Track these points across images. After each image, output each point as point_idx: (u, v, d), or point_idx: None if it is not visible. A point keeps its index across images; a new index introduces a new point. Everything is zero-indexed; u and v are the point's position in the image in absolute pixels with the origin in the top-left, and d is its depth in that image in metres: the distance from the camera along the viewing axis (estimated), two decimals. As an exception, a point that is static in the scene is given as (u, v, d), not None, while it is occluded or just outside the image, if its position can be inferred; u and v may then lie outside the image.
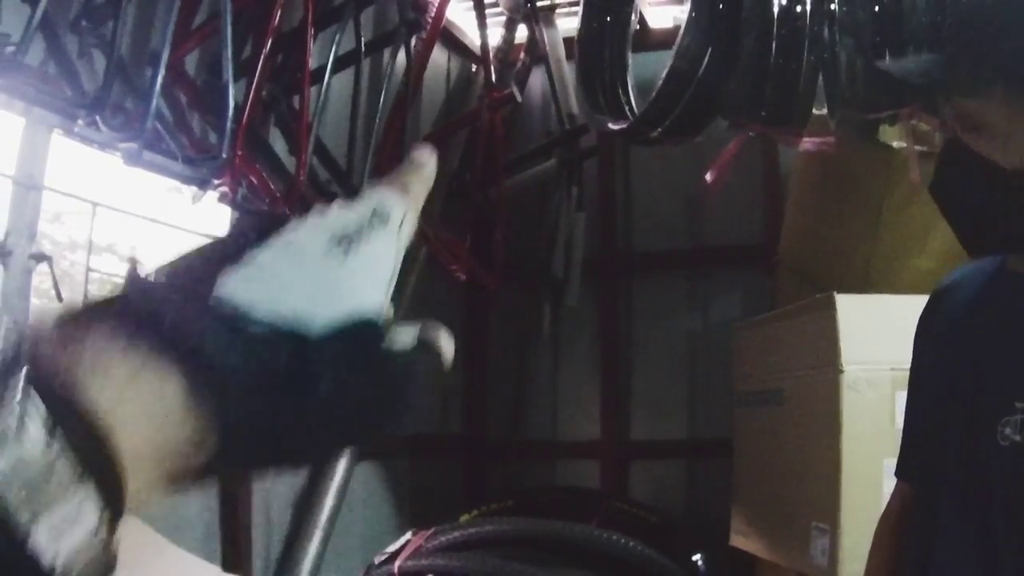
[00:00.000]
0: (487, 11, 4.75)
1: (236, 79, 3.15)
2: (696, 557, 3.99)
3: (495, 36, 5.18)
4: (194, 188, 3.17)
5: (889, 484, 2.83)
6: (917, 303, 3.06)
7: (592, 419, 5.29)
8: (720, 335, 4.71)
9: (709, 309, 5.23)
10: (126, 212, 3.26)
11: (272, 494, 3.81)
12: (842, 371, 2.93)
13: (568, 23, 5.07)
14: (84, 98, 2.72)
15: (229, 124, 2.99)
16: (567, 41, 4.96)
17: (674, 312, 5.30)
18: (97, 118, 2.71)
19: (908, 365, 2.83)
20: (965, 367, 1.64)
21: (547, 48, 5.14)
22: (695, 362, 5.20)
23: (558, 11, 5.24)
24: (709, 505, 4.79)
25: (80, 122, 2.72)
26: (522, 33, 5.28)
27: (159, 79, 2.81)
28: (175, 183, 3.24)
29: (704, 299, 5.26)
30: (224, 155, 3.03)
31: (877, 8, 2.86)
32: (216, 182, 3.12)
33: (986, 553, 1.53)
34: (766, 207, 5.03)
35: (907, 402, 1.95)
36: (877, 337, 2.99)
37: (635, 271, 5.43)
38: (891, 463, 2.85)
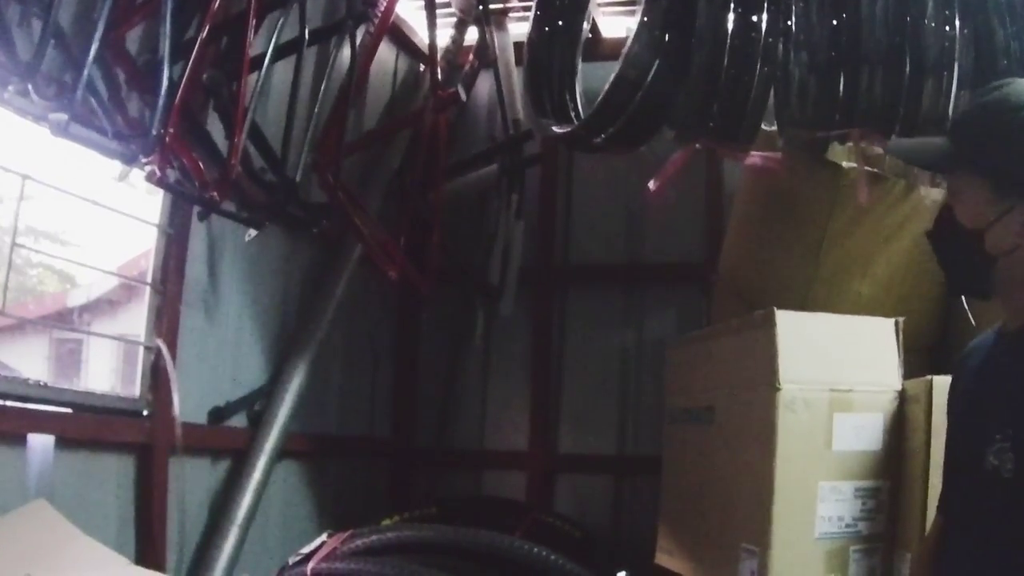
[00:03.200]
0: (438, 11, 4.68)
1: (177, 60, 3.08)
2: (620, 575, 3.94)
3: (445, 37, 5.12)
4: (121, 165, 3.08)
5: (823, 507, 2.85)
6: (859, 324, 3.08)
7: (520, 430, 5.22)
8: (653, 352, 4.67)
9: (644, 325, 5.19)
10: (58, 189, 3.14)
11: (188, 488, 3.70)
12: (779, 389, 2.89)
13: (519, 28, 5.01)
14: (18, 65, 2.63)
15: (162, 100, 2.91)
16: (517, 46, 4.91)
17: (608, 327, 5.25)
18: (29, 86, 2.62)
19: (847, 387, 2.91)
20: (971, 413, 1.93)
21: (497, 52, 5.09)
22: (627, 378, 5.15)
23: (510, 15, 5.19)
24: (635, 522, 4.75)
25: (11, 88, 2.63)
26: (472, 36, 5.22)
27: (93, 48, 2.73)
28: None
29: (639, 315, 5.22)
30: (154, 132, 2.94)
31: (835, 23, 2.84)
32: (144, 160, 3.02)
33: (976, 566, 1.82)
34: (707, 226, 5.01)
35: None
36: (817, 356, 2.96)
37: (571, 283, 5.37)
38: (826, 485, 2.87)
